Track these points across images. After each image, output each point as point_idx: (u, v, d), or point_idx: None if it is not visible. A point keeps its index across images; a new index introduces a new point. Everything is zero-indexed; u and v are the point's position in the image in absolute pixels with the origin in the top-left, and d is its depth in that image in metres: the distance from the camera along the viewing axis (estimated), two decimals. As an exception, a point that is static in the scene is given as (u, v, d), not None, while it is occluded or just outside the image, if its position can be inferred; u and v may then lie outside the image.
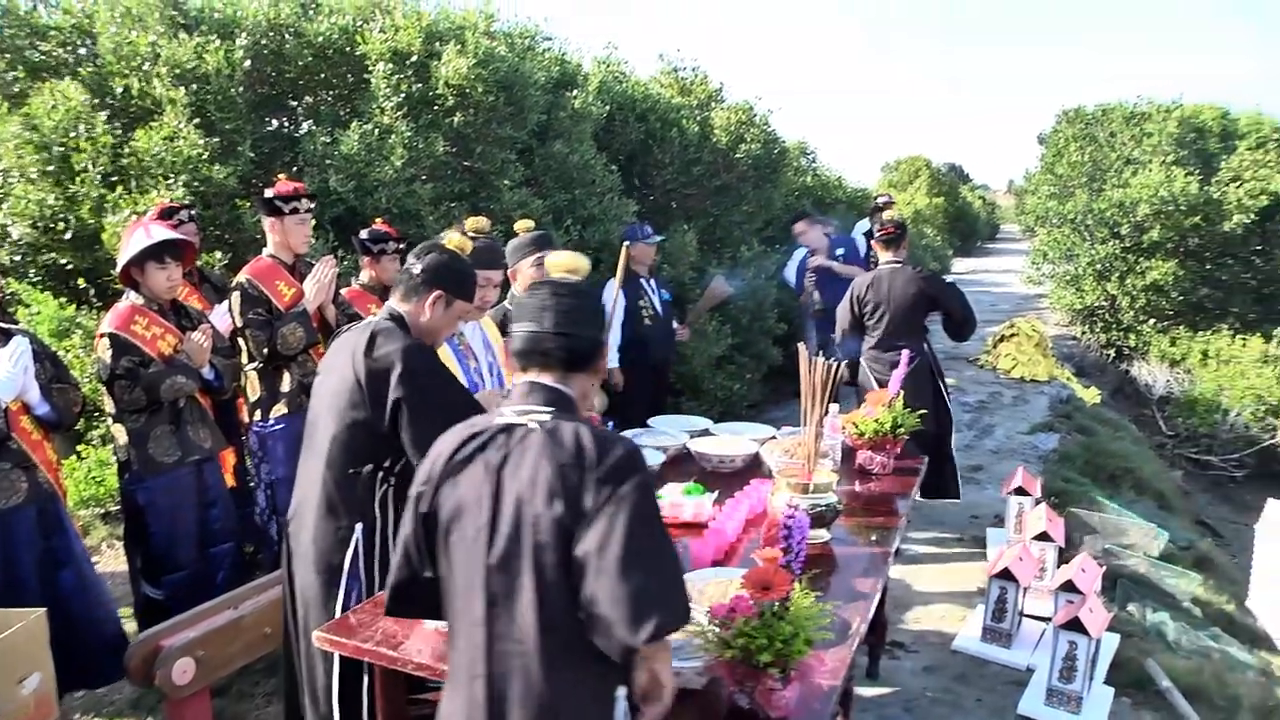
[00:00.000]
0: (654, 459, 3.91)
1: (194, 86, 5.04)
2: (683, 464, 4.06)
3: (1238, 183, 15.27)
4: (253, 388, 4.30)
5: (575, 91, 7.07)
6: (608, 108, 7.50)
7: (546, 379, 2.17)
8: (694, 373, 7.74)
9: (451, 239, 3.06)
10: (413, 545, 2.16)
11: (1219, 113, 16.49)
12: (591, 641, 1.97)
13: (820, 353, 3.37)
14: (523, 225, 4.39)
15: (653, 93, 8.57)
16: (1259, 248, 15.66)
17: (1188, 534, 7.95)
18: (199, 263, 4.71)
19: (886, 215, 8.33)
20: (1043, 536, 4.87)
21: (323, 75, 5.77)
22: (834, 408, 4.02)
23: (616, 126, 7.81)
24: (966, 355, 12.43)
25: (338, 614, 2.79)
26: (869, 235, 10.04)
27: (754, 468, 4.01)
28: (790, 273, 9.53)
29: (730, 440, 4.24)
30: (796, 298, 9.90)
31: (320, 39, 5.58)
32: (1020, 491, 5.38)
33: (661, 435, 4.33)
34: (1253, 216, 14.97)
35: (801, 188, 11.91)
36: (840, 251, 8.34)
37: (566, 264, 2.43)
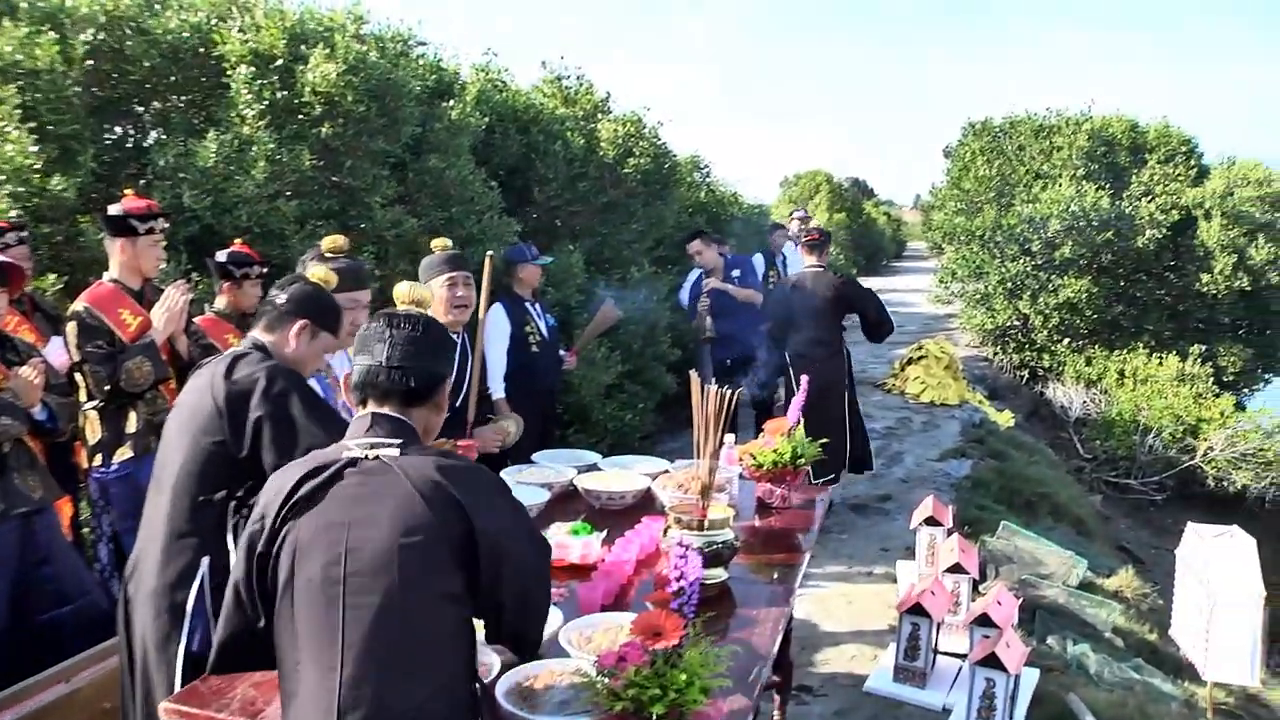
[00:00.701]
0: (538, 496, 3.96)
1: (20, 84, 4.78)
2: (569, 501, 4.11)
3: (1149, 197, 15.99)
4: (92, 429, 4.18)
5: (452, 101, 7.08)
6: (487, 119, 7.54)
7: (388, 410, 2.25)
8: (582, 403, 7.80)
9: (315, 272, 3.12)
10: (245, 591, 2.17)
11: (1128, 125, 17.18)
12: (451, 677, 2.08)
13: (715, 380, 3.46)
14: (439, 244, 4.55)
15: (535, 103, 8.64)
16: (1172, 264, 16.33)
17: (1108, 561, 8.29)
18: (29, 288, 4.49)
19: (796, 227, 10.32)
20: (956, 568, 4.97)
21: (173, 78, 5.64)
22: (730, 438, 4.13)
23: (496, 139, 7.85)
24: (873, 379, 12.76)
25: (179, 660, 2.73)
26: (769, 256, 10.35)
27: (646, 504, 4.08)
28: (686, 295, 9.70)
29: (620, 475, 4.31)
30: (691, 321, 10.09)
31: (170, 37, 5.46)
32: (931, 522, 5.52)
33: (547, 471, 4.38)
34: (1165, 231, 15.67)
35: (695, 204, 12.11)
36: (736, 273, 8.52)
37: (410, 295, 2.54)
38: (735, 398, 3.33)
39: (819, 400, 6.50)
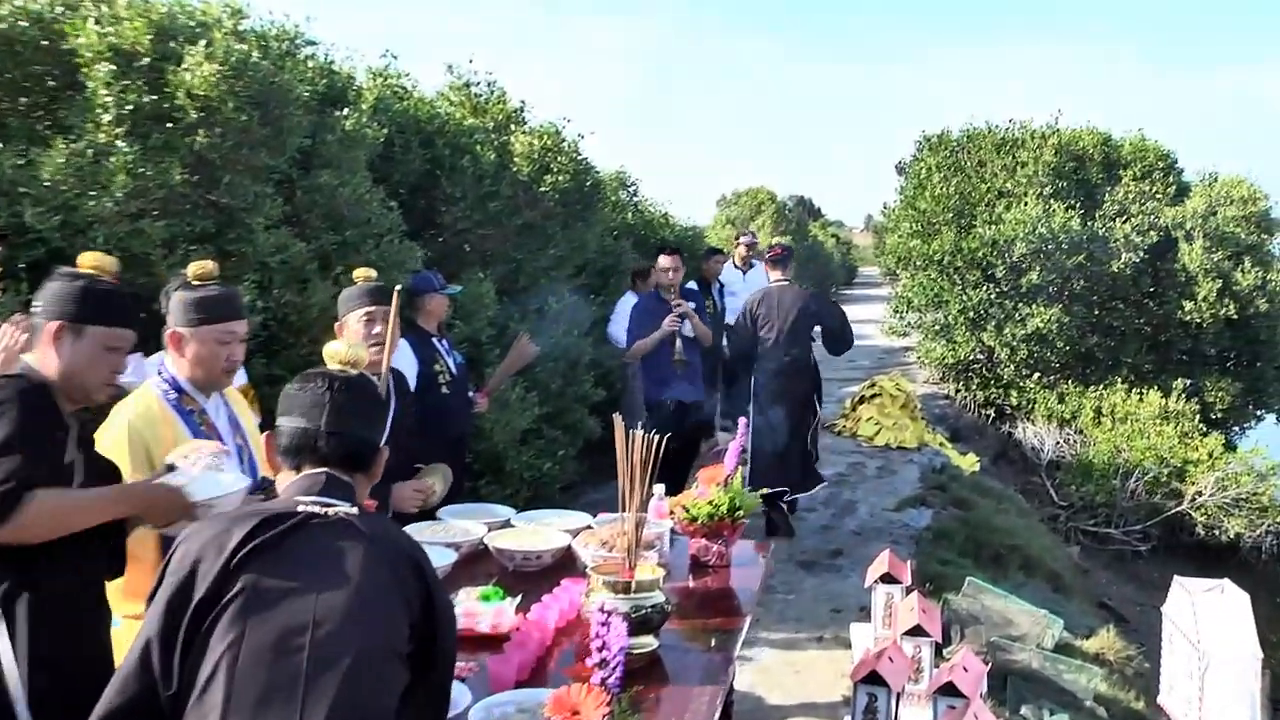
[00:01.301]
0: (444, 558, 3.92)
1: None
2: (479, 563, 4.09)
3: (1124, 217, 16.28)
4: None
5: (346, 110, 7.04)
6: (385, 130, 7.51)
7: (336, 472, 2.33)
8: (495, 450, 7.76)
9: (84, 258, 3.01)
10: (160, 650, 2.12)
11: (1100, 138, 17.50)
12: None
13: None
14: (361, 274, 4.53)
15: (440, 112, 8.64)
16: (1151, 290, 16.67)
17: (1087, 620, 8.40)
18: None
19: (743, 252, 11.42)
20: (916, 631, 4.97)
21: (10, 76, 5.52)
22: (659, 488, 4.14)
23: (397, 153, 7.83)
24: (821, 420, 12.90)
25: None
26: (703, 285, 10.45)
27: (566, 565, 4.07)
28: (617, 328, 9.72)
29: (537, 532, 4.29)
30: (621, 356, 10.11)
31: (3, 26, 5.33)
32: (888, 579, 5.52)
33: (454, 528, 4.35)
34: (1142, 255, 15.98)
35: (621, 226, 12.18)
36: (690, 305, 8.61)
37: (344, 355, 2.55)
38: (663, 442, 3.34)
39: (789, 414, 8.50)
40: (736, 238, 12.23)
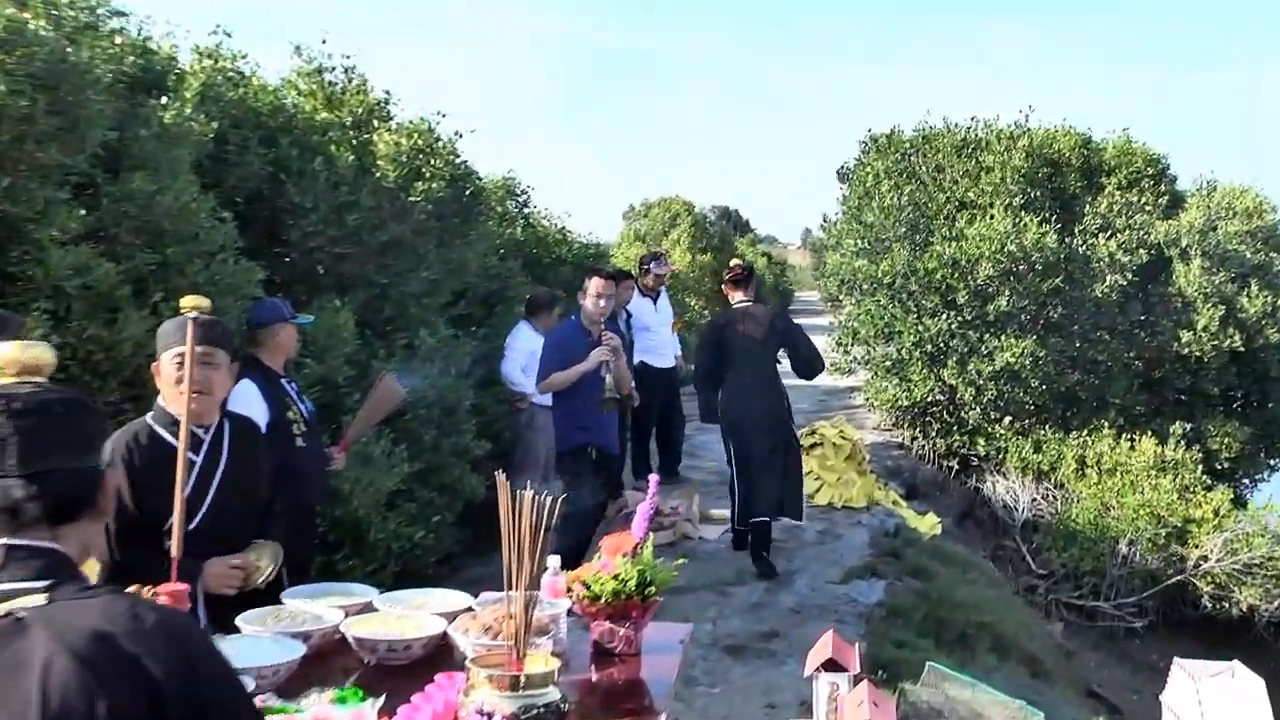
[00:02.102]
0: (288, 652, 3.84)
1: None
2: (334, 657, 4.01)
3: (1108, 232, 16.63)
4: None
5: (165, 99, 6.95)
6: (216, 124, 7.40)
7: (25, 539, 2.02)
8: (354, 516, 7.65)
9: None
10: None
11: (1078, 140, 17.88)
12: None
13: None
14: (189, 303, 4.26)
15: (286, 103, 8.56)
16: (1142, 318, 17.05)
17: (1073, 710, 8.48)
18: None
19: (652, 280, 11.80)
20: None
21: None
22: (553, 561, 4.10)
23: (231, 153, 7.73)
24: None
25: None
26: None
27: (441, 656, 4.01)
28: (511, 366, 9.70)
29: (406, 617, 4.22)
30: (513, 401, 10.08)
31: None
32: (832, 666, 5.52)
33: (302, 614, 4.26)
34: (1130, 276, 16.33)
35: (508, 243, 12.16)
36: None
37: (22, 358, 2.20)
38: (557, 503, 3.31)
39: (770, 434, 9.50)
40: (642, 261, 12.19)
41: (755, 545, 9.69)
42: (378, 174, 8.74)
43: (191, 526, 4.24)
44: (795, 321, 9.80)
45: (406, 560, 8.09)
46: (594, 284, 8.22)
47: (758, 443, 9.50)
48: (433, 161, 9.10)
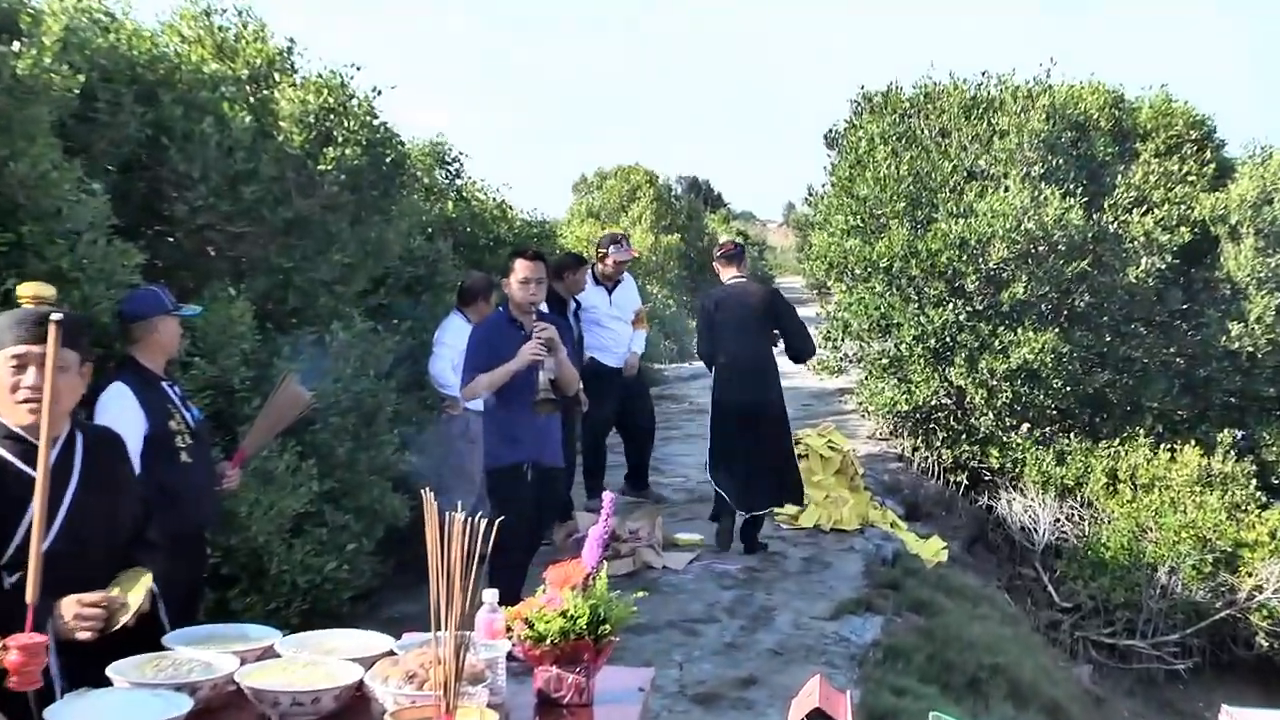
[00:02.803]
0: (173, 708, 3.81)
1: None
2: (228, 712, 3.99)
3: (1144, 207, 16.71)
4: None
5: (18, 45, 6.88)
6: (83, 76, 7.35)
7: None
8: (253, 545, 7.63)
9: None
10: None
11: (1108, 99, 17.93)
12: None
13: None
14: (29, 291, 4.19)
15: (168, 52, 8.50)
16: (1183, 307, 17.13)
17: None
18: None
19: (611, 265, 11.84)
20: None
21: None
22: (490, 596, 4.09)
23: (101, 111, 7.66)
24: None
25: None
26: (559, 302, 10.51)
27: (356, 710, 4.00)
28: (440, 365, 9.69)
29: (315, 664, 4.20)
30: (443, 406, 10.07)
31: None
32: (820, 716, 5.54)
33: (189, 662, 4.24)
34: (1170, 259, 16.38)
35: (437, 220, 12.13)
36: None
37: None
38: (491, 526, 3.30)
39: (765, 418, 10.45)
40: (600, 244, 12.16)
41: (746, 525, 10.86)
42: (280, 138, 8.68)
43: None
44: (788, 301, 10.84)
45: (315, 596, 8.06)
46: (519, 266, 8.19)
47: (745, 435, 10.41)
48: (346, 123, 9.04)
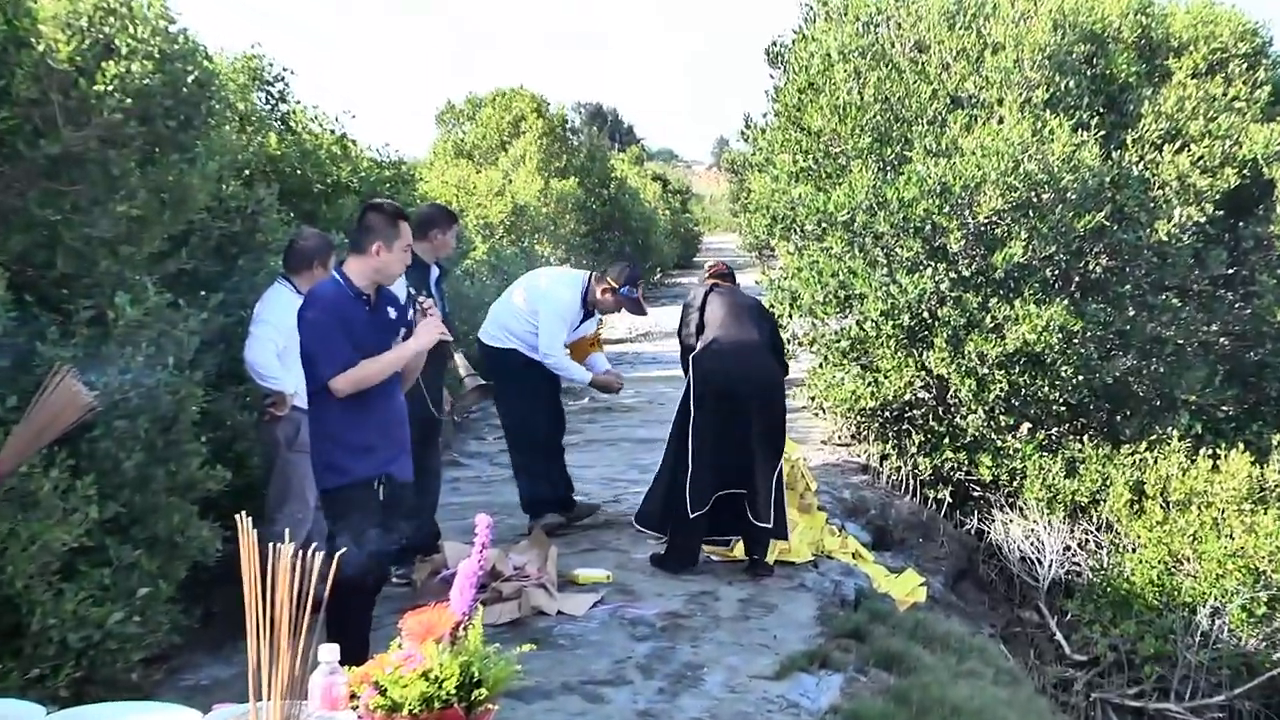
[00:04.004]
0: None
1: None
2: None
3: (1177, 143, 16.70)
4: None
5: None
6: None
7: None
8: (7, 593, 7.55)
9: None
10: None
11: (1131, 4, 17.98)
12: None
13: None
14: None
15: None
16: (1229, 271, 17.23)
17: None
18: None
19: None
20: None
21: None
22: (329, 653, 4.04)
23: None
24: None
25: None
26: (421, 270, 10.51)
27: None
28: (264, 352, 9.64)
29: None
30: (266, 406, 10.03)
31: None
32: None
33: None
34: (1211, 210, 16.40)
35: (254, 161, 12.08)
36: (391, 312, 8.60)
37: None
38: (337, 561, 3.27)
39: (756, 412, 11.38)
40: (614, 275, 12.44)
41: (715, 532, 11.84)
42: (40, 47, 8.59)
43: None
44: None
45: (93, 658, 7.92)
46: (405, 232, 8.40)
47: (740, 414, 11.28)
48: (131, 29, 8.94)
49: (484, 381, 8.42)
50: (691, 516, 11.22)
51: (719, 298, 11.83)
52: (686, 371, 11.69)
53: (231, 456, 9.73)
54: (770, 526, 11.49)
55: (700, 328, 11.68)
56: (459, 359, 8.36)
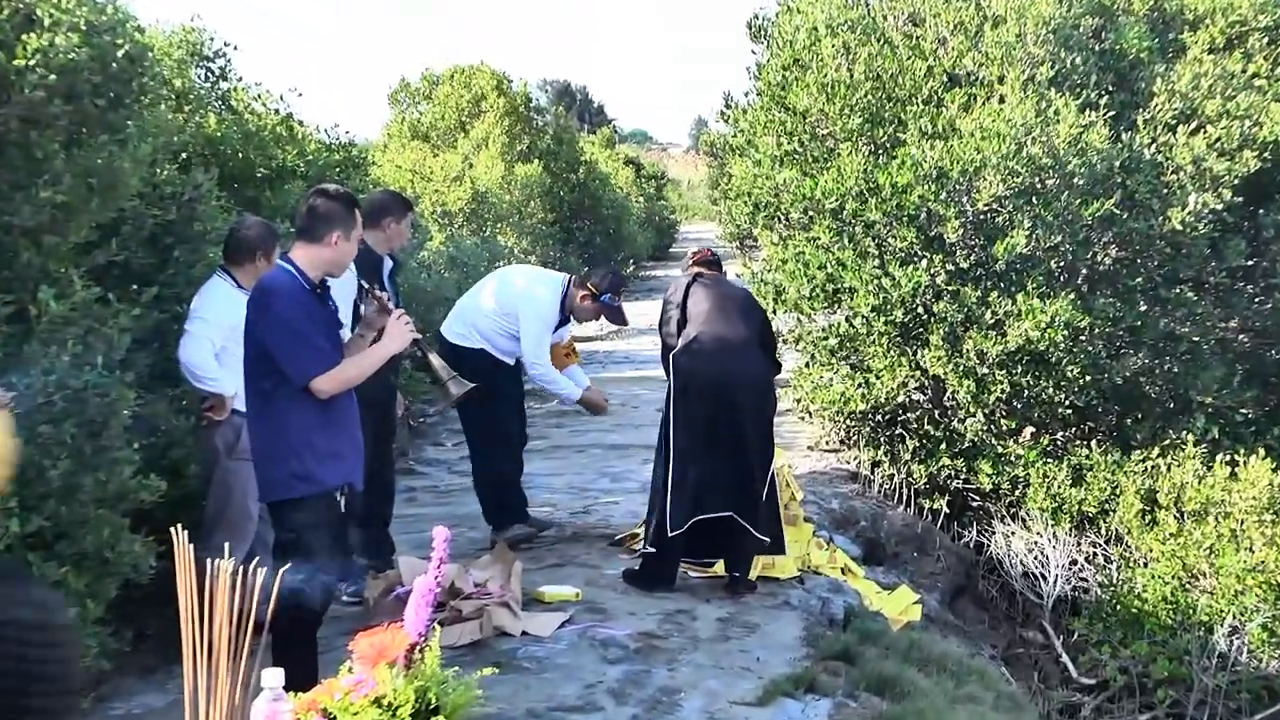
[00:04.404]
0: None
1: None
2: None
3: (1193, 124, 16.62)
4: None
5: None
6: None
7: None
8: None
9: None
10: None
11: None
12: None
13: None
14: None
15: None
16: (1249, 263, 17.15)
17: None
18: None
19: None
20: None
21: None
22: (272, 678, 4.02)
23: None
24: (613, 527, 12.97)
25: None
26: (373, 260, 10.50)
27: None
28: (201, 351, 9.60)
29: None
30: (203, 409, 10.00)
31: None
32: None
33: None
34: (1230, 196, 16.26)
35: (193, 143, 12.04)
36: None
37: None
38: (276, 589, 3.26)
39: (742, 414, 11.37)
40: (595, 281, 12.48)
41: (692, 554, 11.81)
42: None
43: None
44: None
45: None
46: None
47: (726, 419, 11.26)
48: (57, 2, 8.95)
49: (469, 384, 8.36)
50: (670, 535, 11.15)
51: (703, 289, 11.72)
52: (668, 372, 11.61)
53: (166, 465, 9.67)
54: (769, 541, 11.54)
55: (682, 324, 11.58)
56: (435, 359, 8.29)
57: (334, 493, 8.18)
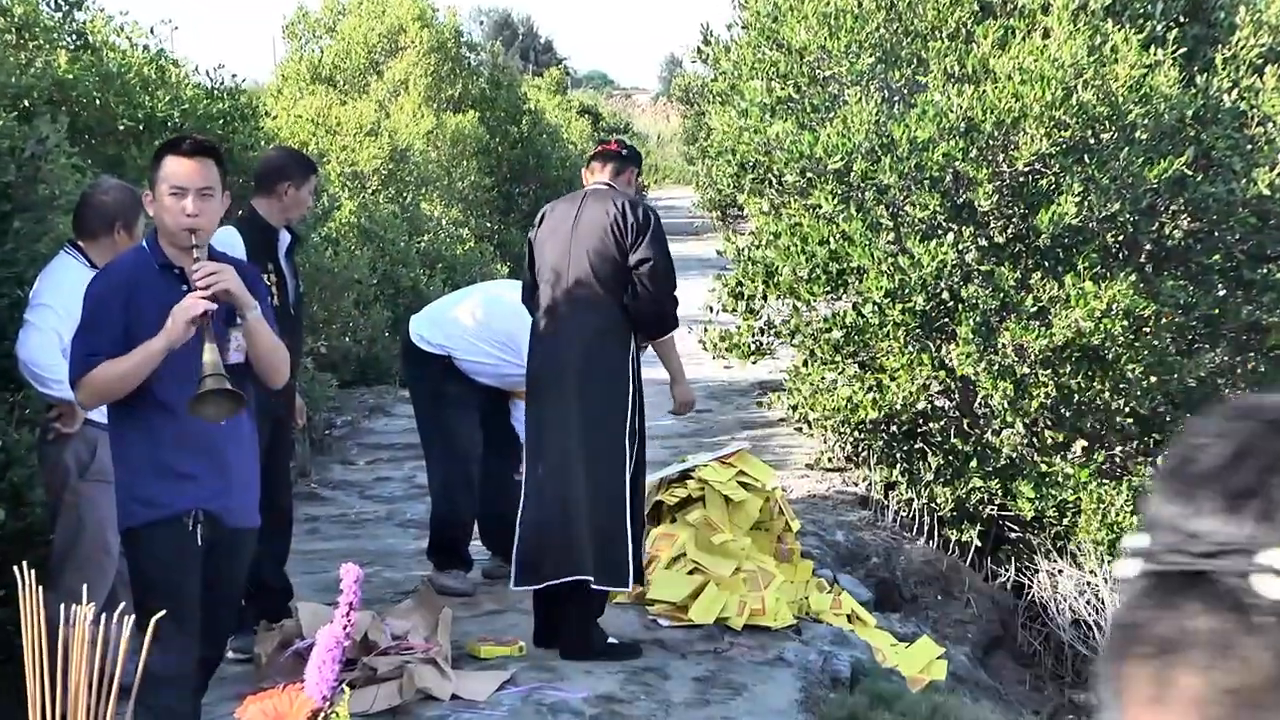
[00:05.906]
0: None
1: None
2: None
3: (1278, 65, 16.69)
4: None
5: None
6: None
7: None
8: None
9: None
10: None
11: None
12: None
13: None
14: None
15: None
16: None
17: None
18: None
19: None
20: None
21: None
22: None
23: None
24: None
25: None
26: (269, 235, 10.51)
27: None
28: (44, 346, 9.59)
29: None
30: (47, 418, 10.01)
31: None
32: None
33: None
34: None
35: (38, 86, 12.05)
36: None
37: None
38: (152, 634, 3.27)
39: (586, 425, 10.67)
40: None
41: (545, 626, 11.16)
42: None
43: None
44: (653, 220, 10.92)
45: None
46: (168, 167, 7.93)
47: (554, 431, 10.72)
48: None
49: (225, 386, 7.65)
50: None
51: (550, 221, 11.22)
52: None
53: (5, 488, 9.68)
54: (592, 578, 10.71)
55: (534, 284, 11.17)
56: (209, 350, 7.64)
57: (179, 520, 7.85)
